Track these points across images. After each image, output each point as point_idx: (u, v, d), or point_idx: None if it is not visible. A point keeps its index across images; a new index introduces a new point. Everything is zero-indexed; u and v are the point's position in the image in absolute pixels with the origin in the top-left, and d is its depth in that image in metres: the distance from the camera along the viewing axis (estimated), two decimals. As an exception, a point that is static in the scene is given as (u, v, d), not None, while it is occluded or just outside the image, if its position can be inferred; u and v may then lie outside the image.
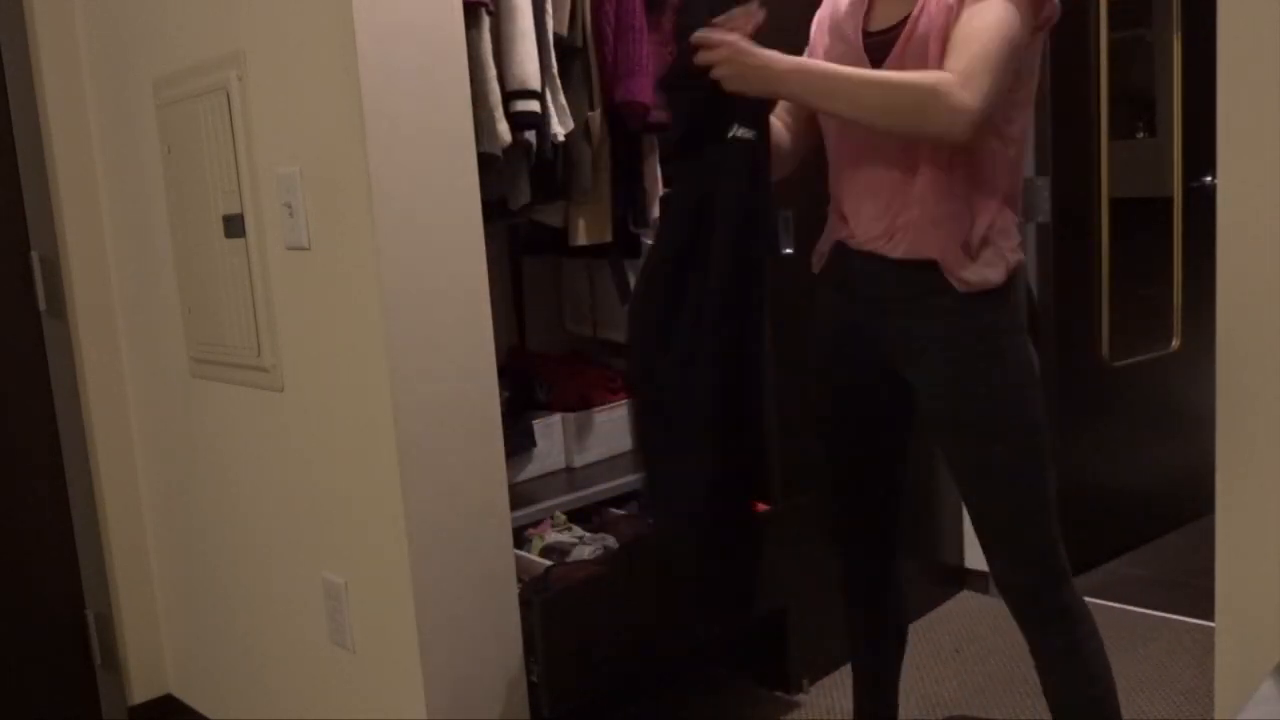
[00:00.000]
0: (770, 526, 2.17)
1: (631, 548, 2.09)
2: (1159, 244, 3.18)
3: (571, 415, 2.35)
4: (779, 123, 1.73)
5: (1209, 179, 3.10)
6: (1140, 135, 3.33)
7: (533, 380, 2.41)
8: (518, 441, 2.22)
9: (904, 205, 1.59)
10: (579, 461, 2.37)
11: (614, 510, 2.30)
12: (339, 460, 1.81)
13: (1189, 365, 3.20)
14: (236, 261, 1.93)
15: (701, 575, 1.76)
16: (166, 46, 2.02)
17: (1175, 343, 3.21)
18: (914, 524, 2.73)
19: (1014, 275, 1.60)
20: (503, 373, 1.90)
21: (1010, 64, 1.49)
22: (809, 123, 1.74)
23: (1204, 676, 2.34)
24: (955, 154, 1.55)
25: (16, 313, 2.23)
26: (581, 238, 2.14)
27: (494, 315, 1.80)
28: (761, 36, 1.58)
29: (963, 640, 2.61)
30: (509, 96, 1.89)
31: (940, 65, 1.49)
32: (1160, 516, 3.22)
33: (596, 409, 2.41)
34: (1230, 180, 1.36)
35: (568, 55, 2.05)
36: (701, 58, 1.53)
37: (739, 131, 1.59)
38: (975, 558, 2.90)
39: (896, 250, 1.60)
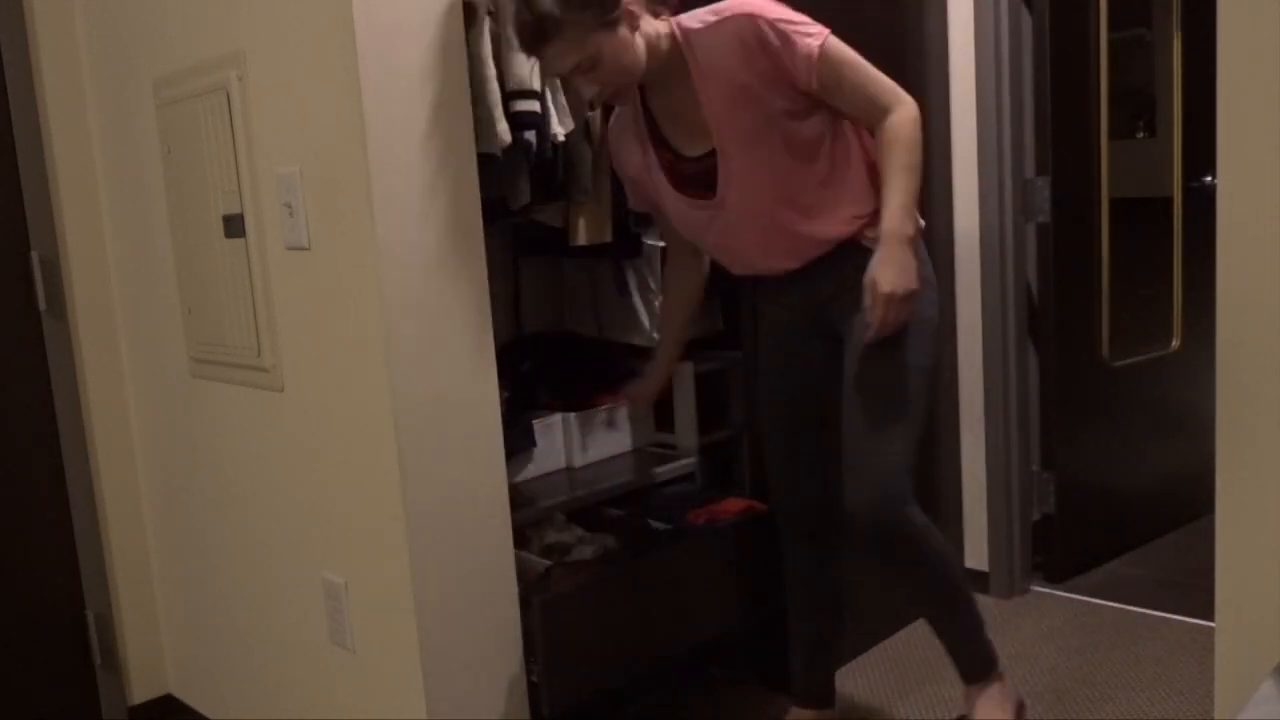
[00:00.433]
0: (770, 526, 2.17)
1: (631, 548, 2.09)
2: (1159, 244, 3.18)
3: (572, 415, 2.35)
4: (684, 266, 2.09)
5: (1209, 179, 3.10)
6: (1140, 135, 3.33)
7: (534, 381, 2.41)
8: (518, 441, 2.22)
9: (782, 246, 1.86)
10: (579, 461, 2.37)
11: (614, 510, 2.30)
12: (339, 460, 1.81)
13: (1189, 365, 3.20)
14: (236, 261, 1.93)
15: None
16: (166, 46, 2.02)
17: (1175, 343, 3.21)
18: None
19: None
20: (502, 372, 1.90)
21: (869, 69, 1.78)
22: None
23: (1204, 676, 2.34)
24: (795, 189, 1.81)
25: (16, 313, 2.23)
26: (581, 238, 2.14)
27: (494, 315, 1.80)
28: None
29: (963, 640, 2.61)
30: (509, 96, 1.89)
31: (765, 149, 1.76)
32: (1160, 516, 3.22)
33: (596, 409, 2.41)
34: (1230, 180, 1.36)
35: (568, 55, 2.05)
36: (890, 327, 1.74)
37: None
38: (975, 558, 2.90)
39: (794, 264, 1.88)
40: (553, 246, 2.28)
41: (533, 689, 1.86)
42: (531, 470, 2.30)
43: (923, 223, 1.81)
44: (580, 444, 2.38)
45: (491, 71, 1.85)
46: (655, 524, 2.20)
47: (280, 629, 2.07)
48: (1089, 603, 2.76)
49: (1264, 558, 1.39)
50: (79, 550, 2.34)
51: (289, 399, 1.91)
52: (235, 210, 1.90)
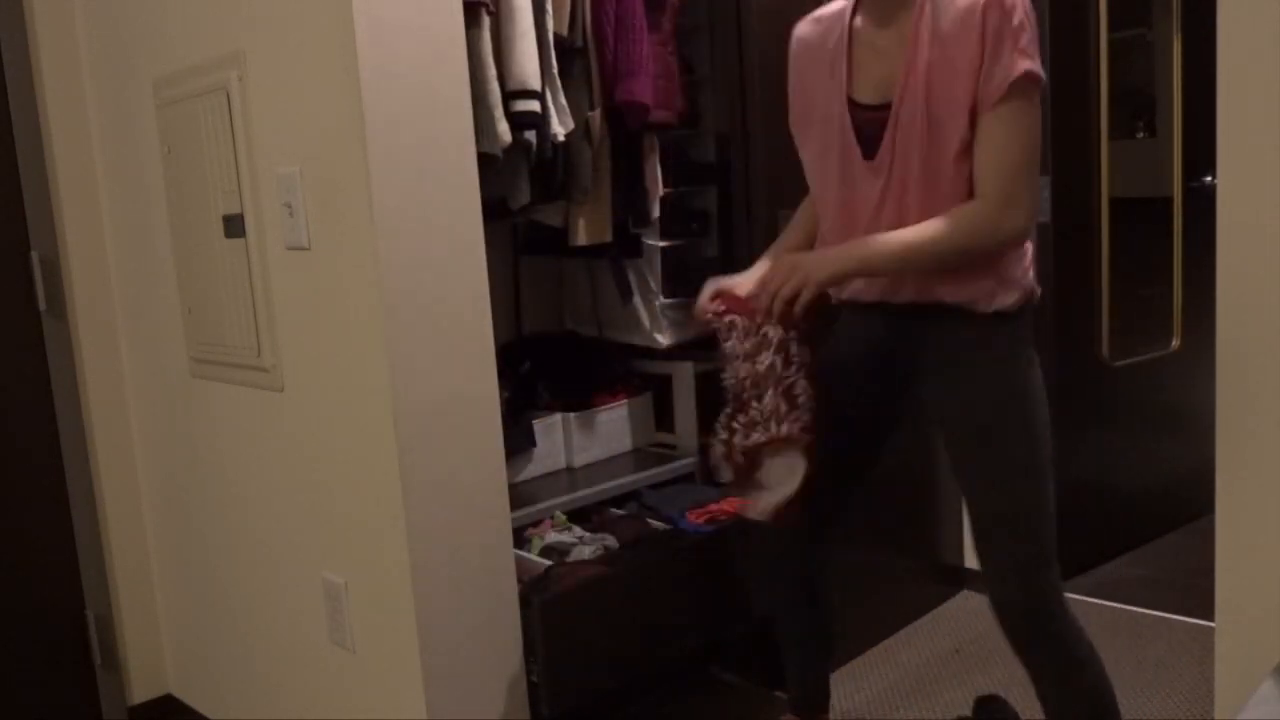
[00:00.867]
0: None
1: (631, 548, 2.09)
2: (1159, 244, 3.18)
3: (572, 415, 2.35)
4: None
5: (1209, 179, 3.10)
6: (1140, 135, 3.33)
7: (534, 381, 2.41)
8: (518, 441, 2.22)
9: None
10: (579, 461, 2.37)
11: (614, 510, 2.30)
12: (339, 460, 1.81)
13: (1189, 365, 3.20)
14: (236, 261, 1.93)
15: None
16: (166, 46, 2.02)
17: (1175, 343, 3.21)
18: (914, 524, 2.74)
19: (1029, 297, 1.64)
20: (502, 372, 1.90)
21: (1036, 159, 1.52)
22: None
23: (1204, 676, 2.34)
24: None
25: (16, 313, 2.23)
26: (581, 238, 2.14)
27: (493, 315, 1.80)
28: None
29: (963, 640, 2.61)
30: (509, 96, 1.89)
31: (927, 139, 1.54)
32: (1160, 516, 3.21)
33: (596, 409, 2.41)
34: (1230, 180, 1.36)
35: (568, 55, 2.05)
36: (769, 303, 1.57)
37: None
38: (975, 558, 2.90)
39: (904, 297, 1.66)
40: (553, 246, 2.28)
41: (533, 689, 1.86)
42: (531, 470, 2.30)
43: (1033, 280, 1.65)
44: (580, 444, 2.38)
45: (492, 72, 1.85)
46: (655, 524, 2.20)
47: (280, 629, 2.07)
48: (1089, 603, 2.76)
49: (1264, 558, 1.39)
50: (79, 550, 2.33)
51: (289, 399, 1.91)
52: (235, 210, 1.91)
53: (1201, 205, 3.10)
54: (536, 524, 2.15)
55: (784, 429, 1.60)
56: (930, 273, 1.60)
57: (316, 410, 1.85)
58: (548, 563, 2.00)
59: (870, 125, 1.60)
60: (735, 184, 2.27)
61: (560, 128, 2.00)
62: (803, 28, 1.73)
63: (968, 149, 1.53)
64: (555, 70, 2.00)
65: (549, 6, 1.97)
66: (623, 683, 2.01)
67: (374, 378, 1.69)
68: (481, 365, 1.78)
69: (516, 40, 1.90)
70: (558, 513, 2.18)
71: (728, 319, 1.63)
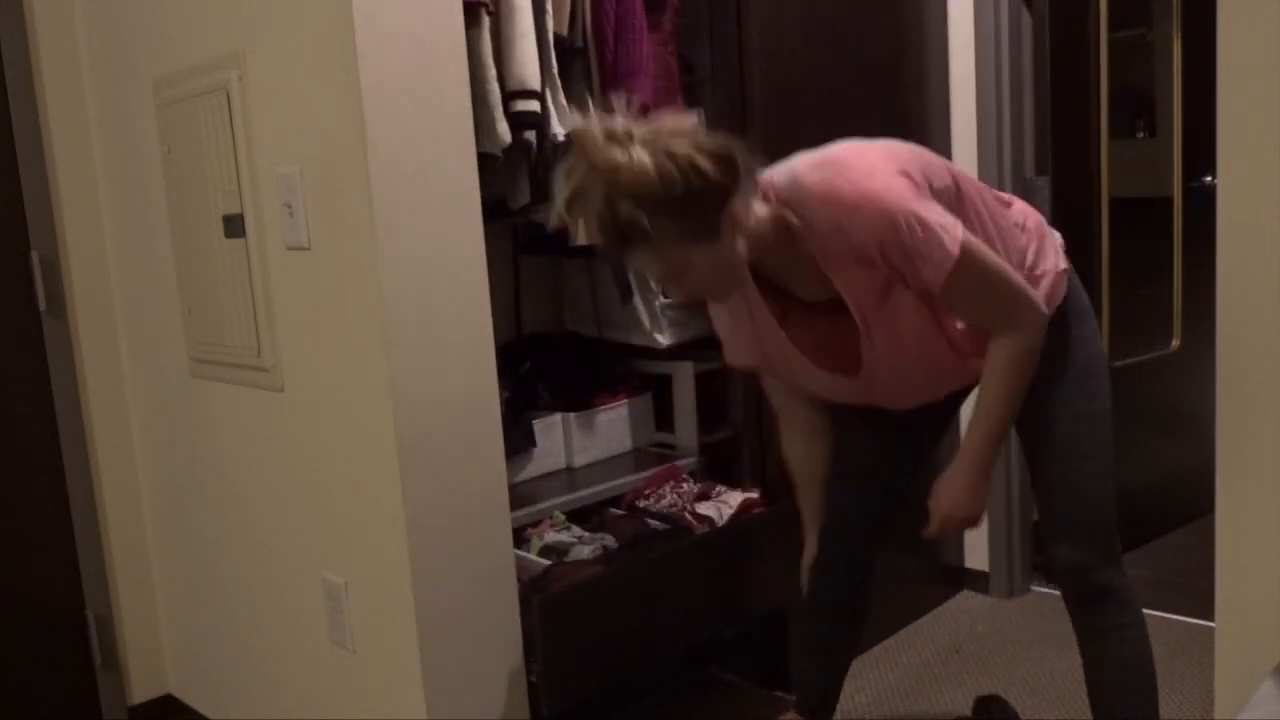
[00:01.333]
0: (770, 526, 2.18)
1: (631, 548, 2.09)
2: (1159, 244, 3.17)
3: (572, 415, 2.35)
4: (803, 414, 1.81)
5: (1209, 179, 3.10)
6: (1140, 135, 3.33)
7: (534, 381, 2.41)
8: (518, 441, 2.22)
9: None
10: (579, 461, 2.37)
11: (614, 510, 2.30)
12: (339, 460, 1.81)
13: (1189, 365, 3.20)
14: (236, 261, 1.93)
15: None
16: (166, 46, 2.02)
17: (1175, 343, 3.21)
18: (915, 524, 2.74)
19: (1066, 295, 1.68)
20: (502, 372, 1.90)
21: (998, 284, 1.50)
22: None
23: (1204, 676, 2.34)
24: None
25: (16, 313, 2.23)
26: (582, 238, 2.14)
27: (493, 315, 1.80)
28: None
29: (963, 640, 2.61)
30: (509, 96, 1.89)
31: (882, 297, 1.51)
32: (1160, 516, 3.21)
33: (596, 409, 2.41)
34: (1230, 180, 1.36)
35: (568, 55, 2.05)
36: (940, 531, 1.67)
37: None
38: (975, 558, 2.90)
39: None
40: (553, 246, 2.28)
41: (532, 689, 1.86)
42: (531, 470, 2.30)
43: (1063, 265, 1.69)
44: (580, 444, 2.38)
45: (492, 72, 1.85)
46: (655, 524, 2.20)
47: (280, 629, 2.07)
48: (1089, 603, 2.76)
49: (1264, 558, 1.39)
50: (79, 550, 2.33)
51: (289, 399, 1.90)
52: (235, 210, 1.90)
53: (1201, 205, 3.10)
54: (536, 524, 2.15)
55: None
56: (955, 373, 1.65)
57: (316, 410, 1.84)
58: (547, 563, 2.00)
59: (831, 333, 1.58)
60: (735, 184, 2.27)
61: (560, 128, 2.00)
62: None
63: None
64: (555, 70, 2.00)
65: (549, 6, 1.97)
66: (622, 682, 2.01)
67: (374, 378, 1.69)
68: (481, 365, 1.78)
69: (516, 40, 1.90)
70: (556, 513, 2.18)
71: None
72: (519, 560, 1.94)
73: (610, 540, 2.11)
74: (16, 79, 2.19)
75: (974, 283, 1.47)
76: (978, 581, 2.88)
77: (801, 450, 1.83)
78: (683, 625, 2.09)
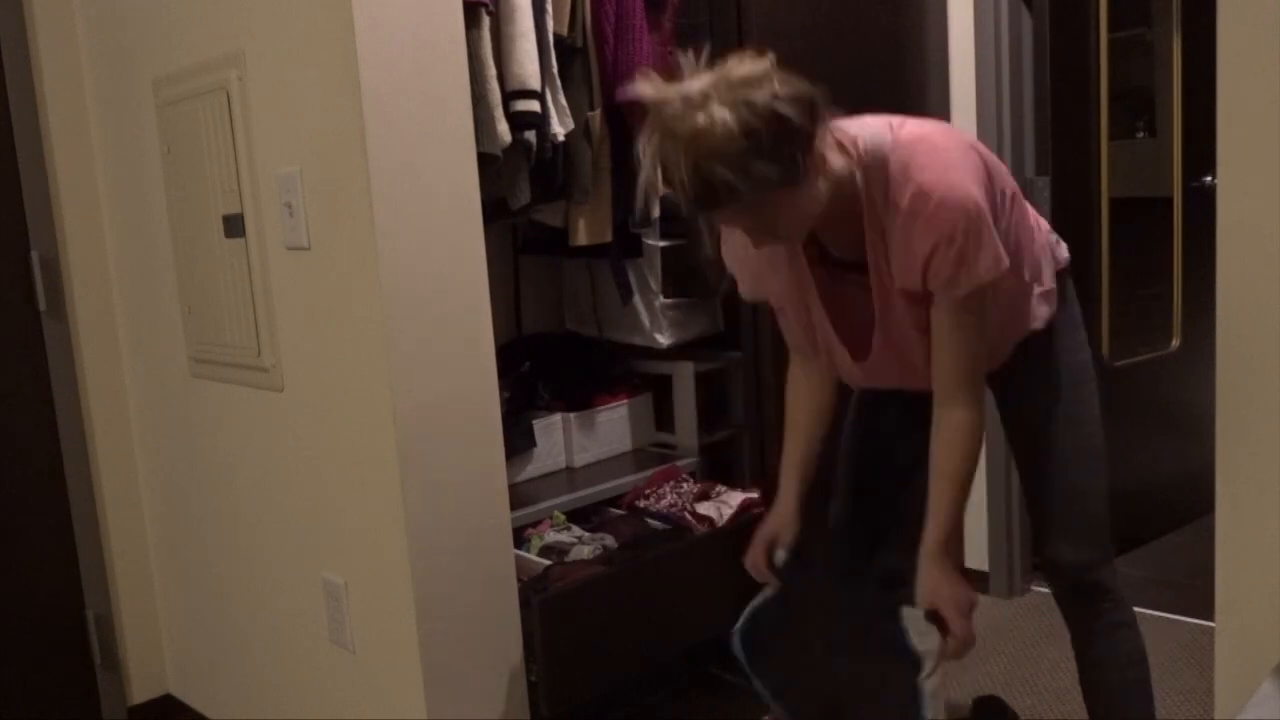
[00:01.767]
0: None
1: (631, 548, 2.09)
2: (1159, 244, 3.18)
3: (572, 415, 2.35)
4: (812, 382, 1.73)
5: (1209, 179, 3.10)
6: (1140, 135, 3.33)
7: (534, 381, 2.41)
8: (518, 441, 2.22)
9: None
10: (579, 461, 2.37)
11: (614, 510, 2.30)
12: (339, 460, 1.81)
13: (1189, 365, 3.20)
14: (236, 261, 1.93)
15: None
16: (166, 46, 2.02)
17: (1175, 343, 3.21)
18: (915, 525, 2.73)
19: (1058, 301, 1.67)
20: (503, 372, 1.90)
21: (981, 344, 1.49)
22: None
23: (1204, 676, 2.34)
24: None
25: (16, 313, 2.23)
26: (582, 238, 2.14)
27: (494, 315, 1.80)
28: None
29: (963, 640, 2.61)
30: (509, 96, 1.89)
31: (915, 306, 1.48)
32: (1160, 516, 3.21)
33: (597, 409, 2.41)
34: (1230, 180, 1.36)
35: (568, 55, 2.05)
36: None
37: None
38: (975, 558, 2.90)
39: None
40: (553, 246, 2.28)
41: (532, 689, 1.86)
42: (531, 470, 2.30)
43: (1066, 255, 1.70)
44: (580, 444, 2.38)
45: (492, 71, 1.85)
46: (655, 524, 2.20)
47: (280, 629, 2.07)
48: (1089, 603, 2.76)
49: (1264, 558, 1.39)
50: (79, 550, 2.33)
51: (289, 399, 1.91)
52: (235, 210, 1.90)
53: (1201, 205, 3.10)
54: (536, 524, 2.15)
55: None
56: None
57: (316, 410, 1.84)
58: (547, 563, 2.00)
59: (855, 297, 1.54)
60: (735, 184, 2.27)
61: (560, 128, 2.00)
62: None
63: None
64: (555, 70, 2.00)
65: (549, 6, 1.97)
66: (622, 683, 2.01)
67: (374, 378, 1.69)
68: (481, 365, 1.78)
69: (516, 40, 1.90)
70: (556, 513, 2.18)
71: None
72: (519, 560, 1.94)
73: (610, 540, 2.11)
74: (16, 79, 2.19)
75: (972, 319, 1.45)
76: (978, 582, 2.88)
77: (804, 393, 1.73)
78: (683, 625, 2.09)
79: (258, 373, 1.95)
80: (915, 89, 2.66)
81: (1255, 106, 1.32)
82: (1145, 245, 3.17)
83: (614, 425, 2.43)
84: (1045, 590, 2.87)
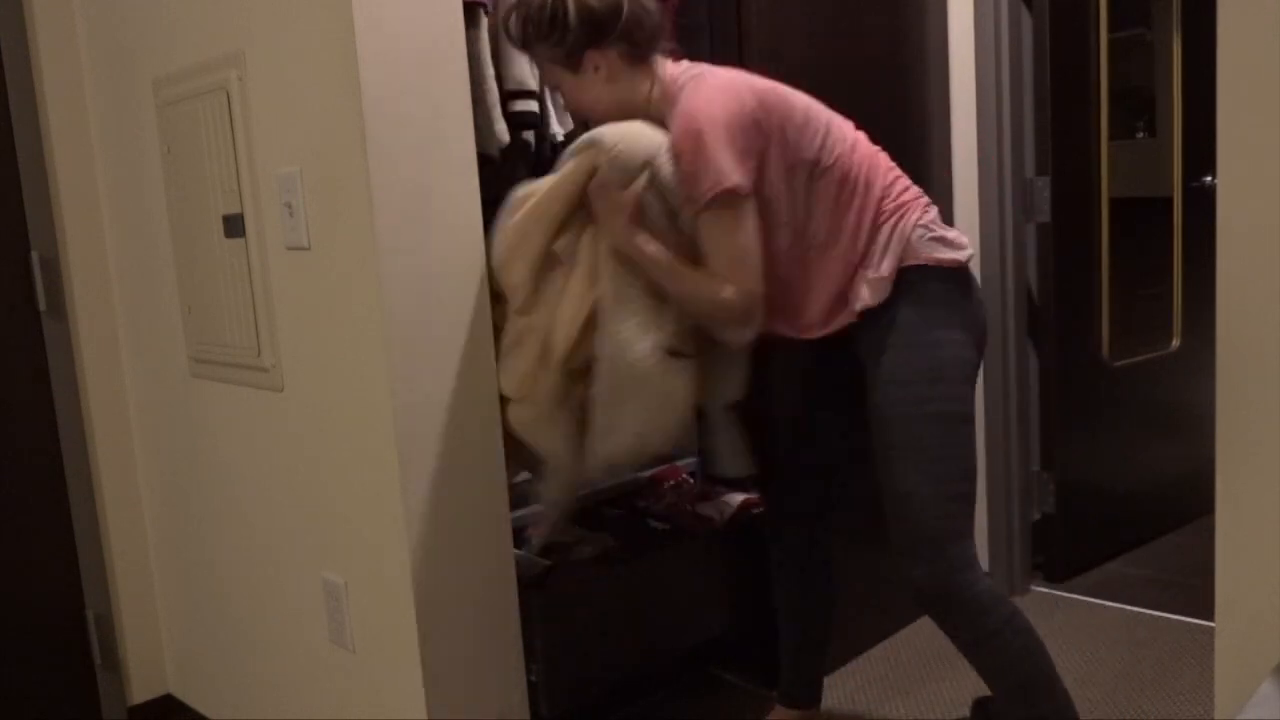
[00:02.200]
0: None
1: (631, 548, 2.09)
2: (1159, 244, 3.18)
3: (571, 415, 2.35)
4: None
5: (1209, 179, 3.10)
6: (1140, 135, 3.33)
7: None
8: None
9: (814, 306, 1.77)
10: (579, 461, 2.36)
11: (614, 510, 2.30)
12: (339, 460, 1.81)
13: (1189, 365, 3.20)
14: (236, 261, 1.93)
15: None
16: (166, 46, 2.02)
17: (1175, 343, 3.21)
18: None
19: (943, 296, 1.70)
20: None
21: (735, 253, 1.64)
22: None
23: (1204, 676, 2.34)
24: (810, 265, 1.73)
25: (16, 313, 2.23)
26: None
27: (494, 315, 1.80)
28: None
29: (963, 640, 2.61)
30: (508, 96, 1.89)
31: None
32: (1160, 516, 3.22)
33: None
34: (1230, 180, 1.36)
35: (568, 55, 2.05)
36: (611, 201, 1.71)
37: None
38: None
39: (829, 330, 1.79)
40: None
41: (533, 689, 1.86)
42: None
43: (954, 256, 1.73)
44: (580, 444, 2.37)
45: (490, 71, 1.85)
46: (655, 524, 2.21)
47: (280, 629, 2.07)
48: (1089, 603, 2.76)
49: (1264, 558, 1.39)
50: (79, 550, 2.34)
51: (289, 399, 1.91)
52: (235, 210, 1.91)
53: (1201, 205, 3.10)
54: (536, 524, 2.15)
55: None
56: (826, 312, 1.76)
57: (316, 410, 1.85)
58: (548, 563, 2.00)
59: None
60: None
61: (559, 128, 2.00)
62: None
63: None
64: (555, 70, 2.00)
65: (549, 6, 1.97)
66: (622, 682, 2.01)
67: (374, 378, 1.69)
68: (481, 365, 1.78)
69: (516, 40, 1.89)
70: (558, 513, 2.18)
71: None
72: (519, 560, 1.94)
73: (611, 540, 2.11)
74: (16, 79, 2.19)
75: (717, 232, 1.63)
76: (978, 581, 2.88)
77: None
78: (683, 625, 2.09)
79: (257, 373, 1.95)
80: (915, 89, 2.66)
81: (1255, 106, 1.32)
82: (1145, 245, 3.18)
83: (614, 425, 2.43)
84: (1045, 590, 2.87)
